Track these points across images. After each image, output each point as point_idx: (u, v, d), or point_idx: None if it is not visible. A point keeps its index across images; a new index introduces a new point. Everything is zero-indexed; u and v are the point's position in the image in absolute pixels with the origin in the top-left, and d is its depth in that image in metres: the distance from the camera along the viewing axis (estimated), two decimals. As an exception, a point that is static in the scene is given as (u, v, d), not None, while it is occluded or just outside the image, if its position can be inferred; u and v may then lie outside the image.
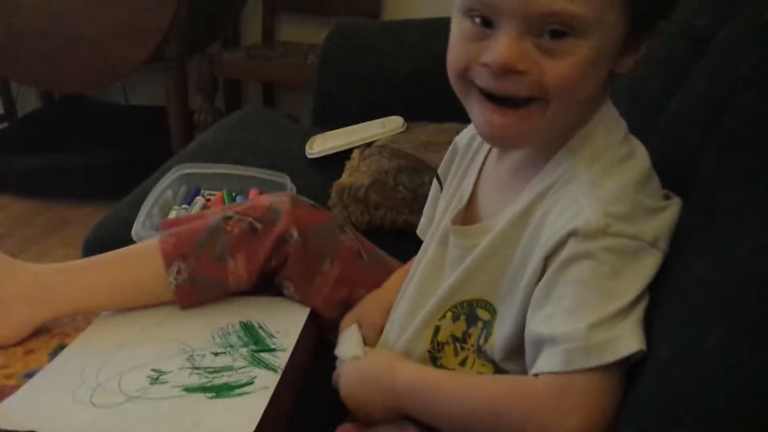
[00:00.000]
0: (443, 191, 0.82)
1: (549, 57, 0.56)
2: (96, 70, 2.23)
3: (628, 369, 0.55)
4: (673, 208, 0.62)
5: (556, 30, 0.56)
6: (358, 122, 1.47)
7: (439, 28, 1.66)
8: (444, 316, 0.70)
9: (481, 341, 0.68)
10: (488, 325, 0.67)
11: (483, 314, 0.68)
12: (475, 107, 0.62)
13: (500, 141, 0.66)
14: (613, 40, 0.59)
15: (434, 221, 0.81)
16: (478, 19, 0.59)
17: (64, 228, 2.18)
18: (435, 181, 0.84)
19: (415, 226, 1.09)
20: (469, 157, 0.78)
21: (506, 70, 0.57)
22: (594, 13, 0.55)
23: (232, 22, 2.60)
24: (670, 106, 0.81)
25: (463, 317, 0.69)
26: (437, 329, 0.71)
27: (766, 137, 0.57)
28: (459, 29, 0.62)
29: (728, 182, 0.58)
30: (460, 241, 0.71)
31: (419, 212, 1.12)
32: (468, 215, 0.74)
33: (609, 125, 0.64)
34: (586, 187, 0.59)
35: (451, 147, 0.82)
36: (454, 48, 0.63)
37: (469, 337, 0.69)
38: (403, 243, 0.96)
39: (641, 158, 0.64)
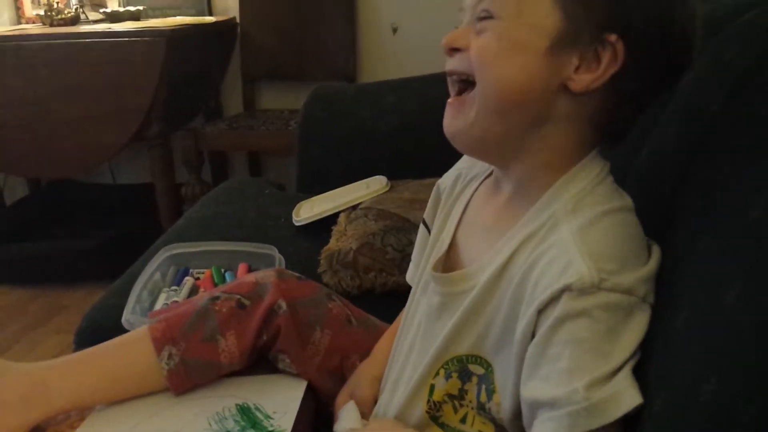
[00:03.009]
0: (431, 236, 0.81)
1: (477, 36, 0.63)
2: (81, 155, 2.25)
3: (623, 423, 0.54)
4: (655, 257, 0.61)
5: (483, 15, 0.62)
6: (342, 184, 1.49)
7: (412, 88, 1.71)
8: (437, 374, 0.69)
9: (482, 398, 0.66)
10: (485, 380, 0.66)
11: (476, 369, 0.67)
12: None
13: (450, 137, 0.68)
14: (539, 28, 0.60)
15: (419, 268, 0.80)
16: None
17: (58, 314, 2.16)
18: (422, 225, 0.83)
19: (406, 287, 1.09)
20: (451, 201, 0.78)
21: (450, 48, 0.65)
22: None
23: (214, 95, 2.64)
24: (644, 147, 0.81)
25: (455, 375, 0.68)
26: (432, 388, 0.70)
27: (739, 179, 0.57)
28: None
29: (707, 227, 0.57)
30: (440, 288, 0.70)
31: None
32: (450, 261, 0.73)
33: (593, 176, 0.64)
34: (575, 237, 0.59)
35: (434, 190, 0.82)
36: None
37: (466, 393, 0.68)
38: (395, 305, 0.95)
39: (629, 213, 0.63)
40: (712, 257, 0.54)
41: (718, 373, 0.44)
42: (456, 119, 0.65)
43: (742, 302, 0.46)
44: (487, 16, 0.62)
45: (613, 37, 0.59)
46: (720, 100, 0.67)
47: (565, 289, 0.56)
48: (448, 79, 0.68)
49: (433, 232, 0.79)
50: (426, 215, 0.83)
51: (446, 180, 0.80)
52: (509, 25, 0.61)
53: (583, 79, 0.60)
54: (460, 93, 0.66)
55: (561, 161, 0.64)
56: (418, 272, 0.80)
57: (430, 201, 0.82)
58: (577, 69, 0.60)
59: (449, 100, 0.66)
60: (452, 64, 0.65)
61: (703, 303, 0.51)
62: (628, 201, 0.64)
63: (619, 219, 0.61)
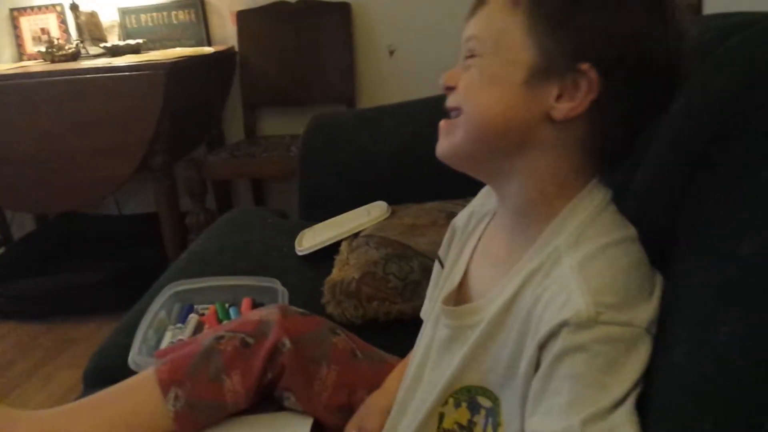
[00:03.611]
0: (444, 272, 0.81)
1: (465, 72, 0.66)
2: (86, 188, 2.27)
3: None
4: (659, 288, 0.61)
5: (469, 54, 0.66)
6: (343, 210, 1.49)
7: (410, 112, 1.72)
8: (446, 402, 0.70)
9: (489, 431, 0.67)
10: (492, 413, 0.67)
11: (484, 402, 0.68)
12: None
13: (440, 157, 0.70)
14: (516, 62, 0.62)
15: (432, 302, 0.81)
16: None
17: (69, 348, 2.17)
18: (437, 262, 0.84)
19: (409, 315, 1.10)
20: (464, 237, 0.79)
21: (446, 86, 0.68)
22: (489, 34, 0.64)
23: (215, 124, 2.66)
24: (638, 174, 0.82)
25: (464, 404, 0.69)
26: (441, 416, 0.71)
27: (732, 212, 0.57)
28: None
29: (702, 261, 0.58)
30: (450, 321, 0.72)
31: (411, 300, 1.13)
32: (461, 295, 0.75)
33: (593, 206, 0.64)
34: (576, 271, 0.59)
35: (449, 229, 0.83)
36: None
37: (475, 426, 0.69)
38: (400, 334, 0.96)
39: (632, 243, 0.63)
40: (706, 292, 0.54)
41: (714, 413, 0.45)
42: (445, 140, 0.68)
43: (737, 341, 0.46)
44: (472, 55, 0.65)
45: (585, 66, 0.60)
46: (710, 130, 0.67)
47: (564, 325, 0.56)
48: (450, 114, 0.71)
49: (446, 267, 0.80)
50: (441, 252, 0.84)
51: (461, 218, 0.82)
52: (489, 60, 0.64)
53: (564, 108, 0.61)
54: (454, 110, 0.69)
55: (558, 191, 0.64)
56: (430, 307, 0.81)
57: (445, 238, 0.83)
58: (558, 98, 0.61)
59: (441, 123, 0.69)
60: (449, 101, 0.69)
61: (699, 339, 0.51)
62: (631, 230, 0.64)
63: (622, 250, 0.61)
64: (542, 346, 0.59)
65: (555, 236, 0.63)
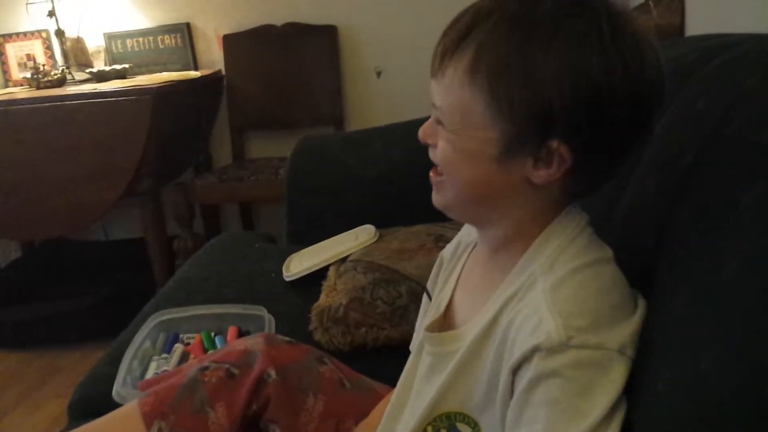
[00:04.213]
0: (431, 303, 0.81)
1: (439, 138, 0.65)
2: (72, 214, 2.25)
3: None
4: (640, 312, 0.61)
5: (437, 118, 0.65)
6: (331, 233, 1.49)
7: (398, 133, 1.72)
8: (425, 430, 0.69)
9: None
10: None
11: (464, 428, 0.67)
12: None
13: (439, 209, 0.70)
14: (485, 140, 0.61)
15: (417, 333, 0.81)
16: None
17: (56, 377, 2.14)
18: (425, 295, 0.84)
19: (397, 341, 1.09)
20: (450, 266, 0.79)
21: (423, 142, 0.68)
22: (454, 110, 0.62)
23: (203, 147, 2.65)
24: (623, 196, 0.82)
25: (444, 431, 0.68)
26: None
27: (713, 236, 0.57)
28: None
29: (683, 286, 0.57)
30: (432, 348, 0.71)
31: (399, 325, 1.12)
32: (445, 323, 0.74)
33: (567, 232, 0.64)
34: (547, 294, 0.59)
35: (437, 261, 0.83)
36: None
37: None
38: (388, 361, 0.94)
39: (605, 264, 0.63)
40: (688, 318, 0.54)
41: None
42: (438, 196, 0.69)
43: (718, 370, 0.46)
44: (442, 123, 0.64)
45: (554, 144, 0.59)
46: (693, 153, 0.67)
47: (536, 350, 0.56)
48: None
49: (433, 297, 0.80)
50: (429, 284, 0.84)
51: (447, 249, 0.82)
52: (459, 137, 0.63)
53: (542, 175, 0.61)
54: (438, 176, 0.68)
55: (537, 222, 0.65)
56: (416, 336, 0.80)
57: (433, 270, 0.83)
58: (535, 164, 0.61)
59: (431, 175, 0.69)
60: (431, 156, 0.68)
61: (681, 366, 0.51)
62: (606, 252, 0.64)
63: (593, 272, 0.61)
64: (515, 371, 0.59)
65: (531, 262, 0.64)
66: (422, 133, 0.67)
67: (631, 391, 0.56)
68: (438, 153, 0.65)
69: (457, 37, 0.61)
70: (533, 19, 0.58)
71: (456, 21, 0.62)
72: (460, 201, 0.67)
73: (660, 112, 0.83)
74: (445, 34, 0.63)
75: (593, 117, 0.58)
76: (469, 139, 0.62)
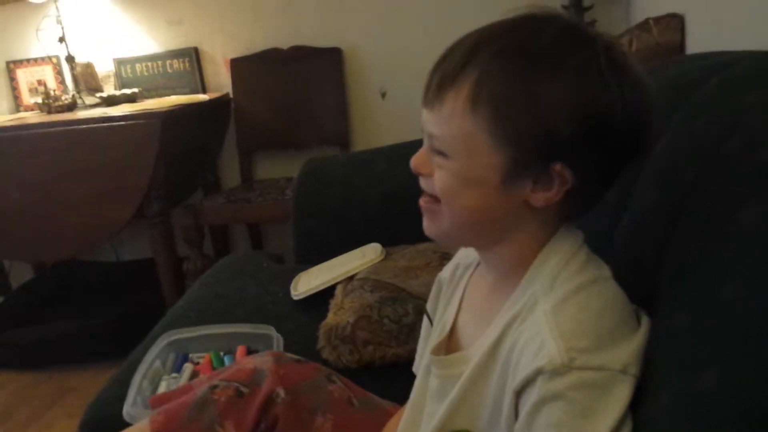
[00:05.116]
0: (433, 326, 0.82)
1: (438, 168, 0.65)
2: (82, 237, 2.28)
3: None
4: (644, 329, 0.61)
5: (438, 151, 0.64)
6: (338, 253, 1.50)
7: (403, 153, 1.73)
8: None
9: None
10: None
11: None
12: None
13: (432, 238, 0.71)
14: (489, 166, 0.62)
15: (423, 355, 0.81)
16: None
17: (66, 397, 2.16)
18: (425, 318, 0.85)
19: (405, 358, 1.10)
20: (451, 289, 0.80)
21: (416, 172, 0.67)
22: (455, 138, 0.63)
23: (211, 169, 2.68)
24: (623, 218, 0.82)
25: None
26: None
27: (713, 254, 0.58)
28: None
29: (684, 304, 0.58)
30: (439, 371, 0.72)
31: (406, 343, 1.13)
32: (450, 345, 0.75)
33: (564, 251, 0.65)
34: (549, 315, 0.60)
35: (435, 283, 0.84)
36: None
37: None
38: (396, 379, 0.96)
39: (605, 283, 0.64)
40: (689, 336, 0.54)
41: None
42: (432, 225, 0.69)
43: (721, 389, 0.46)
44: (440, 152, 0.64)
45: (557, 167, 0.60)
46: (693, 171, 0.68)
47: (539, 372, 0.57)
48: None
49: (435, 320, 0.81)
50: (428, 306, 0.84)
51: (445, 272, 0.83)
52: (462, 165, 0.63)
53: (540, 198, 0.62)
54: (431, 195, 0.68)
55: (534, 243, 0.66)
56: (419, 360, 0.81)
57: (432, 293, 0.84)
58: (534, 186, 0.62)
59: (421, 203, 0.69)
60: (423, 186, 0.68)
61: (684, 385, 0.51)
62: (604, 270, 0.65)
63: (594, 292, 0.62)
64: (519, 393, 0.59)
65: (531, 283, 0.64)
66: (415, 163, 0.67)
67: (635, 408, 0.56)
68: (437, 182, 0.65)
69: (455, 67, 0.62)
70: (535, 50, 0.60)
71: (451, 51, 0.64)
72: (457, 228, 0.67)
73: (660, 131, 0.85)
74: (440, 64, 0.64)
75: (595, 141, 0.60)
76: (473, 167, 0.63)
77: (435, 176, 0.65)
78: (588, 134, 0.59)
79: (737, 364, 0.46)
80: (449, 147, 0.63)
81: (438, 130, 0.64)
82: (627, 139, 0.61)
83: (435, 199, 0.66)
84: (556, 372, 0.56)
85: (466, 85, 0.61)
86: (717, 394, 0.47)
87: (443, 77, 0.63)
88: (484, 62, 0.60)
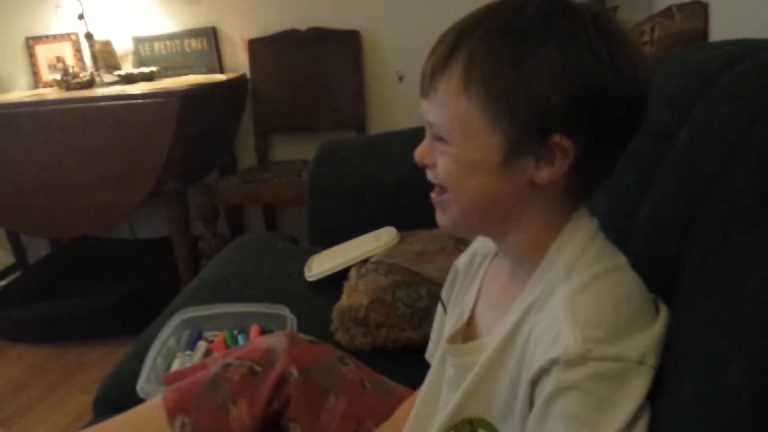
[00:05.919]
0: (447, 314, 0.82)
1: (440, 155, 0.65)
2: (99, 214, 2.30)
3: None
4: (662, 318, 0.61)
5: (437, 136, 0.65)
6: (353, 236, 1.50)
7: (419, 137, 1.72)
8: None
9: None
10: None
11: None
12: None
13: (445, 230, 0.71)
14: (488, 146, 0.61)
15: (438, 343, 0.81)
16: None
17: (81, 372, 2.18)
18: (439, 305, 0.85)
19: (418, 342, 1.10)
20: (469, 278, 0.79)
21: (421, 164, 0.68)
22: (451, 123, 0.63)
23: (228, 150, 2.69)
24: (644, 205, 0.81)
25: None
26: None
27: (738, 243, 0.57)
28: None
29: (707, 292, 0.57)
30: (456, 359, 0.72)
31: (419, 327, 1.13)
32: (468, 333, 0.75)
33: (579, 239, 0.64)
34: (566, 304, 0.59)
35: (451, 271, 0.84)
36: None
37: None
38: (408, 363, 0.96)
39: (623, 272, 0.63)
40: (712, 326, 0.53)
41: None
42: (443, 217, 0.69)
43: (745, 381, 0.45)
44: (440, 138, 0.64)
45: (556, 138, 0.60)
46: (717, 159, 0.67)
47: (555, 362, 0.56)
48: None
49: (449, 308, 0.80)
50: (443, 294, 0.84)
51: (462, 260, 0.82)
52: (461, 149, 0.63)
53: (545, 174, 0.62)
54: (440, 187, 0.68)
55: (548, 231, 0.65)
56: (437, 347, 0.81)
57: (447, 281, 0.84)
58: (537, 164, 0.61)
59: (432, 196, 0.69)
60: (430, 177, 0.69)
61: (706, 377, 0.50)
62: (620, 259, 0.64)
63: (612, 281, 0.61)
64: (535, 383, 0.59)
65: (548, 270, 0.64)
66: (419, 154, 0.67)
67: (654, 399, 0.56)
68: (440, 170, 0.65)
69: (445, 54, 0.62)
70: (519, 25, 0.60)
71: (440, 41, 0.64)
72: (467, 216, 0.66)
73: (683, 118, 0.84)
74: (432, 54, 0.64)
75: (590, 109, 0.60)
76: (472, 149, 0.62)
77: (438, 164, 0.65)
78: (580, 101, 0.59)
79: (763, 358, 0.45)
80: (447, 132, 0.63)
81: (435, 117, 0.64)
82: (624, 107, 0.61)
83: (443, 190, 0.66)
84: (572, 362, 0.55)
85: (456, 69, 0.61)
86: (740, 389, 0.46)
87: (435, 65, 0.63)
88: (472, 45, 0.61)
